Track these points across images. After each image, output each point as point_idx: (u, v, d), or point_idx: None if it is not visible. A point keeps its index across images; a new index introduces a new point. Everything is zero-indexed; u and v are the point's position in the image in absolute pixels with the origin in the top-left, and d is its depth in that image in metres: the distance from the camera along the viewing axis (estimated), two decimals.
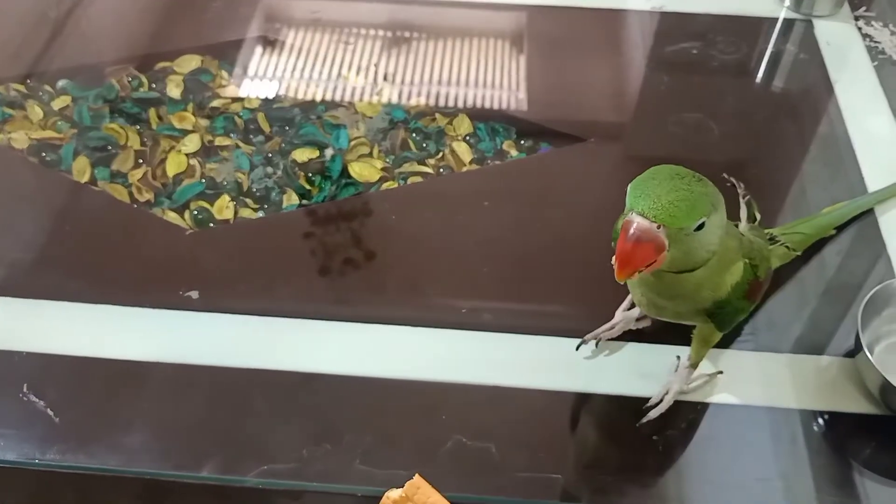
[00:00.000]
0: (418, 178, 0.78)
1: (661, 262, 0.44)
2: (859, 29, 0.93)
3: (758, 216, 0.58)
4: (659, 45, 0.91)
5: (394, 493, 0.38)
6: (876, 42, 0.91)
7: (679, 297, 0.50)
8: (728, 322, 0.54)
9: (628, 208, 0.43)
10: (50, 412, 0.57)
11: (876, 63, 0.88)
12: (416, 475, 0.39)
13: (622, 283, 0.54)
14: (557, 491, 0.54)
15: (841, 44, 0.91)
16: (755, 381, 0.60)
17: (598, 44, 0.92)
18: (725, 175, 0.60)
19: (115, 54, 0.90)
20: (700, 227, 0.43)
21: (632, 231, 0.42)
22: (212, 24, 0.93)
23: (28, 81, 0.86)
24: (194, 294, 0.64)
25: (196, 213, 0.74)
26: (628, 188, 0.44)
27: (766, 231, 0.61)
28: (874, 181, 0.74)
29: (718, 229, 0.45)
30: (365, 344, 0.62)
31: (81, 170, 0.77)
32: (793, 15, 0.95)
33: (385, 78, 0.88)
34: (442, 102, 0.86)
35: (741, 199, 0.59)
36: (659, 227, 0.42)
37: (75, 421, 0.56)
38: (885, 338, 0.61)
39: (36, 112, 0.83)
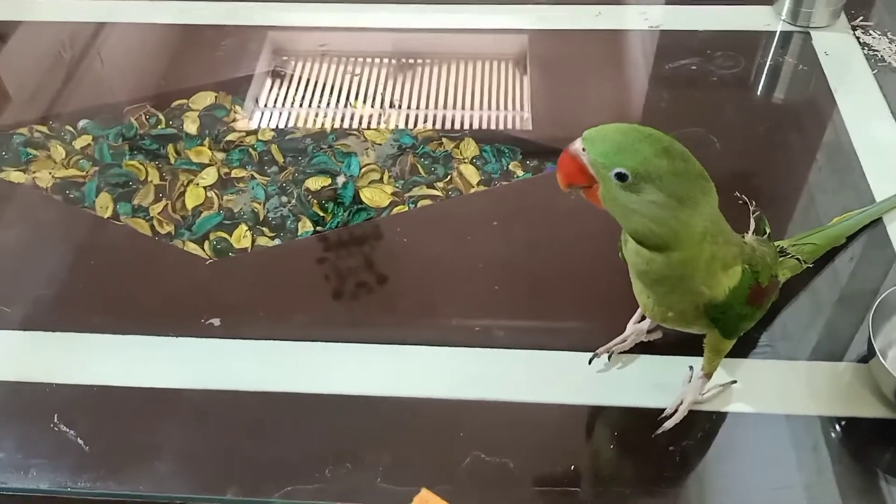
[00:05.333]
0: (428, 202, 0.80)
1: (595, 192, 0.47)
2: (857, 38, 0.95)
3: (767, 230, 0.59)
4: (658, 63, 0.93)
5: None
6: (875, 50, 0.93)
7: (669, 284, 0.50)
8: (733, 328, 0.54)
9: None
10: (80, 441, 0.58)
11: (875, 71, 0.90)
12: (423, 489, 0.38)
13: (633, 298, 0.56)
14: None
15: (840, 54, 0.92)
16: (770, 390, 0.61)
17: (598, 64, 0.94)
18: (738, 193, 0.62)
19: (132, 94, 0.93)
20: (622, 178, 0.44)
21: (568, 146, 0.47)
22: (224, 61, 0.97)
23: (50, 123, 0.89)
24: (216, 321, 0.66)
25: (215, 243, 0.76)
26: None
27: (777, 244, 0.62)
28: (880, 188, 0.75)
29: (660, 208, 0.45)
30: (382, 365, 0.63)
31: (104, 205, 0.80)
32: (790, 28, 0.96)
33: (392, 105, 0.91)
34: (448, 127, 0.88)
35: (751, 216, 0.60)
36: (584, 151, 0.45)
37: (105, 449, 0.58)
38: None
39: (59, 152, 0.86)
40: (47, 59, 0.97)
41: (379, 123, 0.88)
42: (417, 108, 0.91)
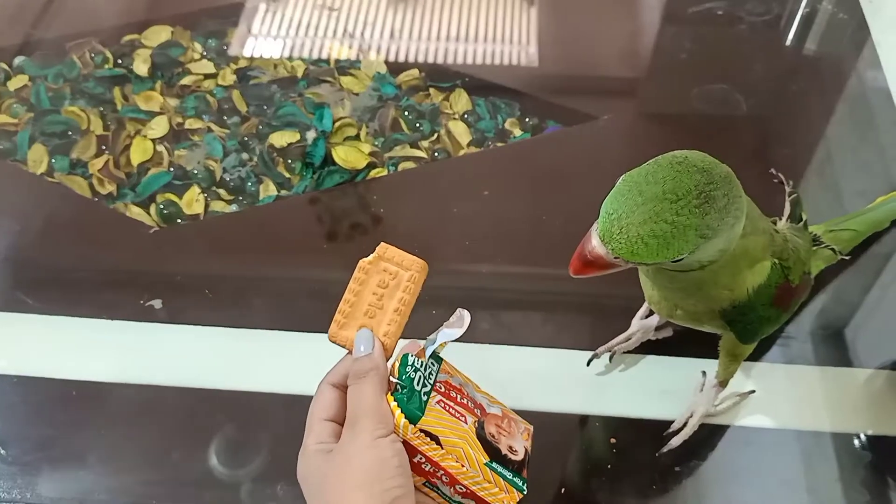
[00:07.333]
0: (410, 164, 0.70)
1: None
2: None
3: (804, 216, 0.50)
4: (680, 7, 0.82)
5: (365, 259, 0.42)
6: None
7: (688, 291, 0.43)
8: (752, 332, 0.46)
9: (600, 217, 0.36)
10: None
11: None
12: (382, 242, 0.42)
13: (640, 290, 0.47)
14: None
15: (884, 1, 0.81)
16: (792, 400, 0.53)
17: (611, 6, 0.83)
18: (773, 171, 0.52)
19: (76, 26, 0.81)
20: (677, 260, 0.36)
21: (586, 250, 0.36)
22: None
23: None
24: (157, 303, 0.57)
25: (162, 207, 0.66)
26: (615, 185, 0.36)
27: (810, 230, 0.53)
28: None
29: (718, 246, 0.37)
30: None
31: (37, 159, 0.70)
32: None
33: (372, 48, 0.80)
34: (437, 75, 0.77)
35: (787, 198, 0.51)
36: (617, 258, 0.35)
37: (22, 452, 0.51)
38: None
39: None
40: None
41: (358, 69, 0.77)
42: (403, 53, 0.79)
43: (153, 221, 0.65)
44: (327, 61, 0.78)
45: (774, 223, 0.48)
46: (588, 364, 0.54)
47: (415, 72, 0.77)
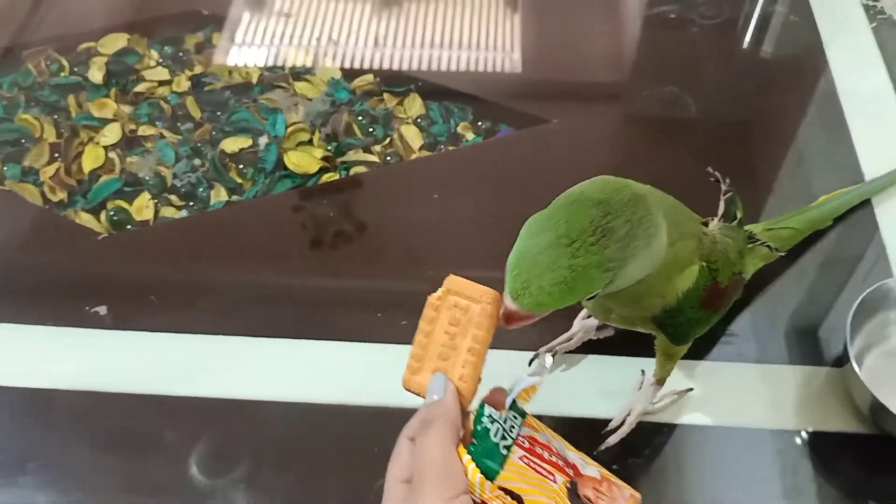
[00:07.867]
0: (362, 168, 0.70)
1: None
2: None
3: (739, 214, 0.51)
4: (631, 10, 0.83)
5: (434, 295, 0.37)
6: (874, 0, 0.83)
7: (622, 302, 0.43)
8: (682, 335, 0.47)
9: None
10: None
11: (874, 24, 0.80)
12: (450, 275, 0.38)
13: None
14: None
15: (835, 3, 0.82)
16: (731, 398, 0.54)
17: (563, 11, 0.84)
18: (710, 169, 0.53)
19: (32, 34, 0.81)
20: (593, 297, 0.36)
21: (503, 311, 0.37)
22: None
23: None
24: (102, 309, 0.57)
25: (112, 213, 0.66)
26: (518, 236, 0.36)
27: (747, 228, 0.54)
28: (871, 164, 0.67)
29: (642, 267, 0.37)
30: (297, 364, 0.55)
31: None
32: None
33: (328, 54, 0.80)
34: (392, 81, 0.78)
35: (721, 196, 0.51)
36: (530, 311, 0.35)
37: None
38: (877, 345, 0.55)
39: None
40: None
41: (312, 74, 0.78)
42: (357, 58, 0.80)
43: (103, 228, 0.65)
44: (282, 67, 0.79)
45: (706, 224, 0.49)
46: (529, 364, 0.54)
47: (369, 77, 0.78)
